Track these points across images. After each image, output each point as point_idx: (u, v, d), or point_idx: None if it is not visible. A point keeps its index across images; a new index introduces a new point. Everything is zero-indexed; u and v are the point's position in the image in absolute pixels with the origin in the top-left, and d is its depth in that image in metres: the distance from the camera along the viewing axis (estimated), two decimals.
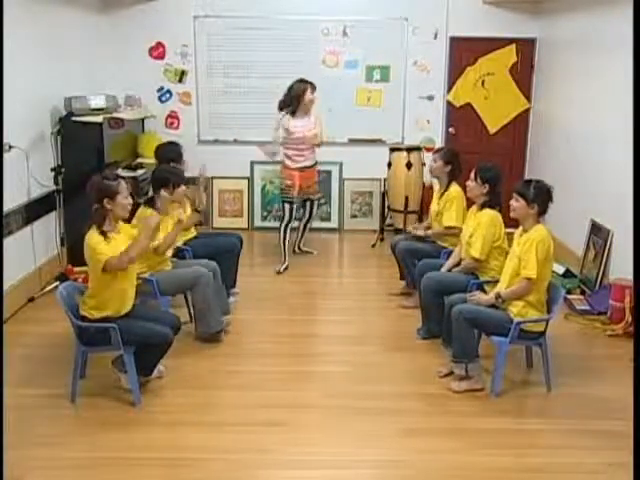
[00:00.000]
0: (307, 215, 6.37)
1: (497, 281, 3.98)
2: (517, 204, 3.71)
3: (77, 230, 3.65)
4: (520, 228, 3.81)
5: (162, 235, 4.18)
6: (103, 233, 3.47)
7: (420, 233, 5.02)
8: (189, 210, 4.79)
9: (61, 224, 5.57)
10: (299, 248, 6.49)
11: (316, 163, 6.09)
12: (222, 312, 4.52)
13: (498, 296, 3.74)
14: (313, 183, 6.12)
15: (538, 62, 6.98)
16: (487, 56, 6.98)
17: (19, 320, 4.71)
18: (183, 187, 4.34)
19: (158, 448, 3.23)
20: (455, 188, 4.85)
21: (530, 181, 3.77)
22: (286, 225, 5.98)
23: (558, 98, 6.44)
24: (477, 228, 4.23)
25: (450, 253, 4.67)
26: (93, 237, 3.44)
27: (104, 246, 3.42)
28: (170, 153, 4.88)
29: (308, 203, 6.27)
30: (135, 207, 3.89)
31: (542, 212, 3.71)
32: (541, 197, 3.66)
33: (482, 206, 4.29)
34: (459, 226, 4.70)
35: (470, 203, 4.58)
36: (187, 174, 4.86)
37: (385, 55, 6.95)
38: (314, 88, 5.84)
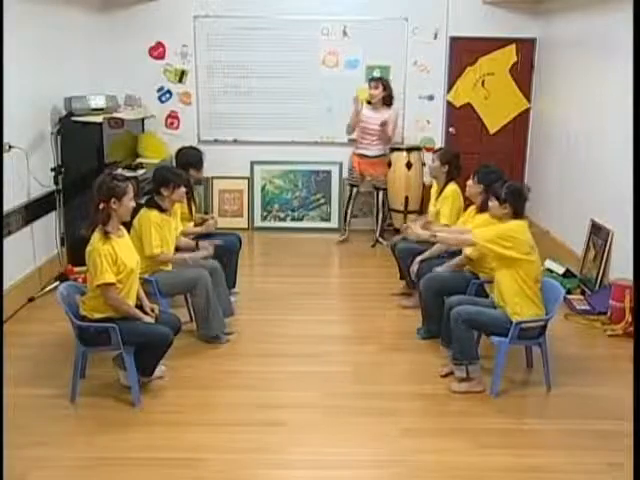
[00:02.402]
0: (376, 205, 6.73)
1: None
2: (492, 204, 3.79)
3: (77, 230, 3.65)
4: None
5: (159, 243, 4.19)
6: (106, 233, 3.47)
7: (420, 233, 4.98)
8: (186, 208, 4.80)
9: (61, 224, 5.57)
10: (377, 240, 6.73)
11: (383, 155, 6.56)
12: (225, 313, 4.52)
13: (434, 236, 4.04)
14: (378, 173, 6.56)
15: (538, 62, 6.98)
16: (487, 56, 6.98)
17: (19, 320, 4.71)
18: (183, 188, 4.34)
19: (158, 448, 3.23)
20: (450, 187, 4.86)
21: (505, 182, 3.83)
22: (347, 204, 6.78)
23: (558, 98, 6.44)
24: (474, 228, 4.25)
25: (450, 253, 4.68)
26: (101, 247, 3.42)
27: (109, 266, 3.42)
28: (192, 158, 4.89)
29: (375, 192, 6.67)
30: (136, 208, 3.89)
31: (516, 212, 3.72)
32: (512, 197, 3.70)
33: (480, 206, 4.31)
34: (452, 225, 4.73)
35: (469, 203, 4.58)
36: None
37: (385, 55, 6.95)
38: (373, 83, 6.39)
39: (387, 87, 6.37)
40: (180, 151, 5.02)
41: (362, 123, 6.42)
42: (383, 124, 6.29)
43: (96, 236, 3.47)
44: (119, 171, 5.55)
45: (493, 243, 3.66)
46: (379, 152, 6.52)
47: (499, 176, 4.29)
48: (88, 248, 3.48)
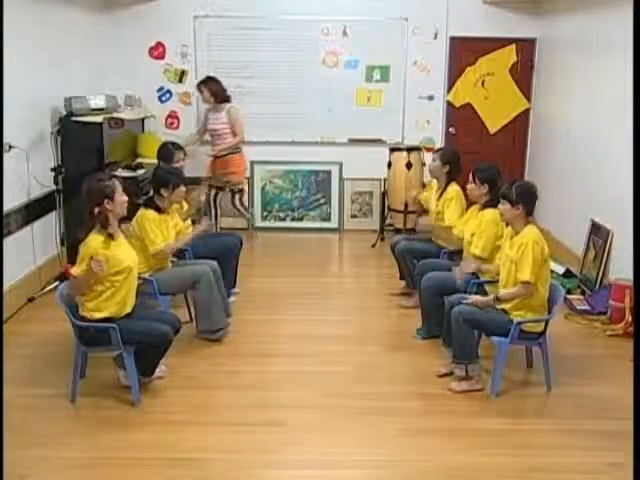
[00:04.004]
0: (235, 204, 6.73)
1: (497, 281, 3.98)
2: (503, 207, 3.74)
3: (77, 230, 3.64)
4: (510, 229, 3.81)
5: (162, 238, 4.18)
6: (110, 235, 3.47)
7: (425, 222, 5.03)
8: (186, 206, 4.77)
9: (61, 224, 5.57)
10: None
11: (230, 154, 6.36)
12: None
13: (496, 299, 3.73)
14: (226, 172, 6.41)
15: (538, 62, 6.98)
16: (487, 56, 6.99)
17: (19, 320, 4.71)
18: (183, 188, 4.34)
19: (158, 448, 3.23)
20: (453, 188, 4.84)
21: (514, 182, 3.77)
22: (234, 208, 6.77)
23: (558, 98, 6.44)
24: (479, 227, 4.24)
25: (449, 253, 4.69)
26: (94, 246, 3.41)
27: (83, 262, 3.40)
28: (165, 153, 4.95)
29: (230, 193, 6.61)
30: (134, 207, 3.88)
31: (529, 212, 3.70)
32: (524, 197, 3.66)
33: (484, 206, 4.30)
34: (457, 226, 4.72)
35: (470, 203, 4.58)
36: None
37: (385, 55, 6.95)
38: (199, 86, 6.28)
39: (212, 87, 6.19)
40: (161, 148, 5.06)
41: (209, 125, 6.36)
42: (223, 123, 6.26)
43: (94, 237, 3.44)
44: (118, 171, 5.57)
45: (542, 269, 3.64)
46: (223, 152, 6.36)
47: (496, 170, 4.30)
48: (86, 245, 3.47)
